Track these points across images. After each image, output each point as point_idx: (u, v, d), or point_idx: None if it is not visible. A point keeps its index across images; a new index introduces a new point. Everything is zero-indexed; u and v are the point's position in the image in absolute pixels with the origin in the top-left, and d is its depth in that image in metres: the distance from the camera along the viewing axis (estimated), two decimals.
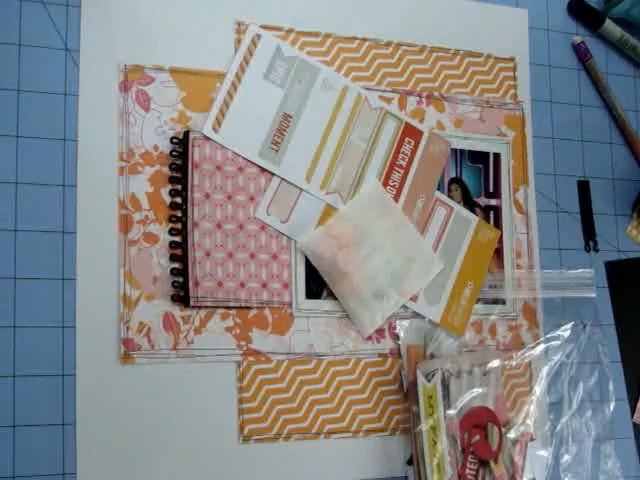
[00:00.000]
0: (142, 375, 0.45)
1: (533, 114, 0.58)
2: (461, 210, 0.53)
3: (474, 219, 0.54)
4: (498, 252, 0.55)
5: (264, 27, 0.50)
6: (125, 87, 0.47)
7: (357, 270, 0.49)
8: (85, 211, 0.45)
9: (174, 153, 0.47)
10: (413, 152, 0.52)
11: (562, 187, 0.58)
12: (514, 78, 0.57)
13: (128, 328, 0.45)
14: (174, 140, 0.47)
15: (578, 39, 0.60)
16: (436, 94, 0.54)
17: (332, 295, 0.49)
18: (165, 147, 0.47)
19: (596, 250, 0.59)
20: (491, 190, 0.55)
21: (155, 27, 0.48)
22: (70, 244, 0.45)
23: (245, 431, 0.46)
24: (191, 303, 0.46)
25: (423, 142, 0.52)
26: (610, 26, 0.61)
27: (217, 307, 0.47)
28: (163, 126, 0.47)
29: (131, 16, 0.48)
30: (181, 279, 0.46)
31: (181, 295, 0.46)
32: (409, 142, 0.52)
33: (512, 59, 0.58)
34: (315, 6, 0.52)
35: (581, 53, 0.60)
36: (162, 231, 0.46)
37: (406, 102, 0.53)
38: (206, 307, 0.46)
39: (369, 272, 0.49)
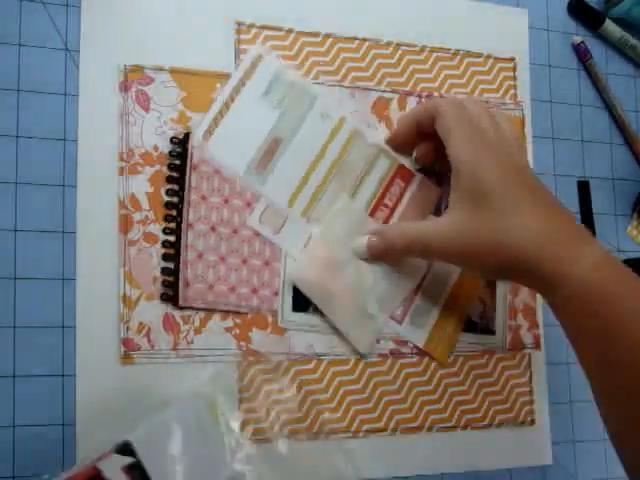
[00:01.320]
0: (142, 375, 0.45)
1: (533, 114, 0.58)
2: None
3: None
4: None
5: (264, 27, 0.50)
6: (125, 87, 0.47)
7: (346, 289, 0.48)
8: (85, 211, 0.45)
9: (173, 153, 0.47)
10: (401, 194, 0.51)
11: (562, 187, 0.58)
12: (514, 78, 0.57)
13: (128, 328, 0.45)
14: (174, 140, 0.47)
15: (578, 39, 0.60)
16: (436, 94, 0.54)
17: (318, 310, 0.49)
18: (165, 147, 0.47)
19: None
20: None
21: (155, 27, 0.48)
22: (70, 244, 0.45)
23: (245, 431, 0.46)
24: (180, 303, 0.46)
25: (413, 186, 0.51)
26: (610, 26, 0.61)
27: (206, 309, 0.46)
28: (163, 126, 0.47)
29: (131, 16, 0.48)
30: (172, 278, 0.46)
31: (170, 295, 0.46)
32: (398, 184, 0.51)
33: (512, 59, 0.58)
34: (315, 6, 0.52)
35: (581, 53, 0.60)
36: (162, 231, 0.46)
37: (406, 102, 0.53)
38: (196, 309, 0.46)
39: (358, 290, 0.49)
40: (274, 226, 0.48)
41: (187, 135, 0.47)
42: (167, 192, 0.47)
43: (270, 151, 0.48)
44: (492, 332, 0.53)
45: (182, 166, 0.47)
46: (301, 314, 0.48)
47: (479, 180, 0.40)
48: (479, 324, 0.53)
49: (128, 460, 0.38)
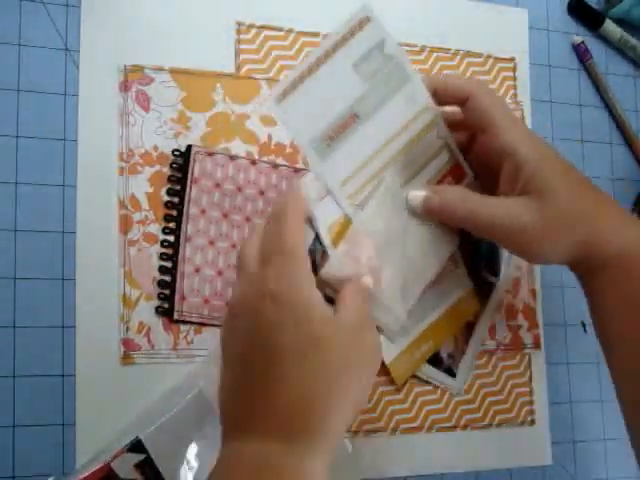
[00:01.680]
0: (142, 375, 0.45)
1: (533, 114, 0.58)
2: (462, 272, 0.51)
3: (469, 285, 0.51)
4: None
5: (264, 27, 0.50)
6: (125, 87, 0.47)
7: (387, 287, 0.45)
8: (85, 211, 0.45)
9: (174, 165, 0.47)
10: None
11: None
12: (514, 78, 0.57)
13: (128, 328, 0.45)
14: (175, 152, 0.47)
15: (578, 39, 0.60)
16: None
17: None
18: (165, 147, 0.47)
19: None
20: None
21: (155, 27, 0.48)
22: (70, 244, 0.45)
23: None
24: (175, 317, 0.45)
25: (462, 185, 0.48)
26: (610, 26, 0.61)
27: (201, 324, 0.46)
28: (163, 126, 0.47)
29: (131, 16, 0.48)
30: (167, 291, 0.46)
31: (166, 307, 0.46)
32: (449, 182, 0.47)
33: (512, 59, 0.58)
34: (315, 6, 0.52)
35: (581, 53, 0.60)
36: (161, 232, 0.46)
37: None
38: (190, 322, 0.46)
39: (396, 279, 0.46)
40: (318, 195, 0.43)
41: (190, 147, 0.47)
42: (166, 205, 0.47)
43: (343, 126, 0.43)
44: (453, 375, 0.52)
45: (183, 179, 0.47)
46: None
47: (547, 169, 0.41)
48: (444, 362, 0.52)
49: (139, 457, 0.39)
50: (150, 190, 0.46)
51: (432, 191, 0.45)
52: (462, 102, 0.44)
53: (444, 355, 0.52)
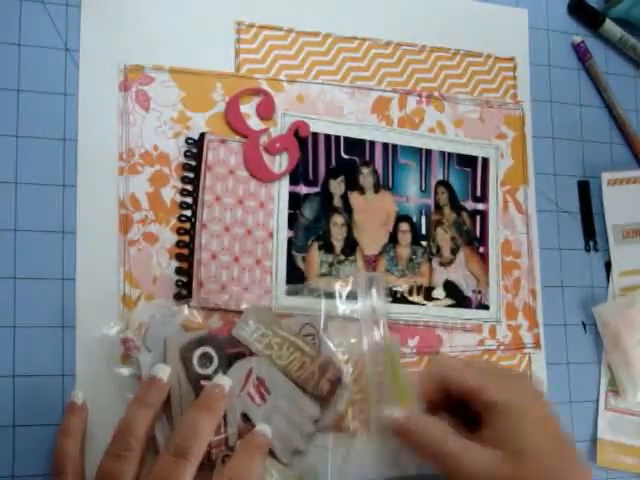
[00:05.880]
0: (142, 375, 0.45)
1: (533, 114, 0.58)
2: None
3: None
4: (483, 256, 0.54)
5: (264, 27, 0.50)
6: (125, 87, 0.47)
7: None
8: (85, 211, 0.45)
9: (188, 154, 0.47)
10: None
11: (562, 187, 0.58)
12: (514, 78, 0.58)
13: (128, 328, 0.45)
14: (189, 141, 0.47)
15: (578, 39, 0.60)
16: (436, 94, 0.54)
17: (311, 293, 0.49)
18: (165, 147, 0.47)
19: (596, 250, 0.59)
20: (478, 194, 0.55)
21: (155, 27, 0.48)
22: (70, 244, 0.45)
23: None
24: (193, 304, 0.46)
25: None
26: (610, 26, 0.61)
27: (219, 310, 0.46)
28: (163, 126, 0.47)
29: (131, 16, 0.48)
30: (185, 279, 0.46)
31: (184, 294, 0.46)
32: None
33: (512, 59, 0.58)
34: (315, 6, 0.52)
35: (581, 53, 0.60)
36: (162, 231, 0.46)
37: (406, 102, 0.53)
38: (208, 309, 0.46)
39: None
40: None
41: (203, 135, 0.47)
42: (182, 192, 0.47)
43: None
44: (486, 307, 0.54)
45: (197, 167, 0.47)
46: (294, 298, 0.48)
47: (530, 432, 0.39)
48: (473, 299, 0.53)
49: None
50: (150, 190, 0.46)
51: (405, 418, 0.43)
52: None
53: (469, 293, 0.53)
